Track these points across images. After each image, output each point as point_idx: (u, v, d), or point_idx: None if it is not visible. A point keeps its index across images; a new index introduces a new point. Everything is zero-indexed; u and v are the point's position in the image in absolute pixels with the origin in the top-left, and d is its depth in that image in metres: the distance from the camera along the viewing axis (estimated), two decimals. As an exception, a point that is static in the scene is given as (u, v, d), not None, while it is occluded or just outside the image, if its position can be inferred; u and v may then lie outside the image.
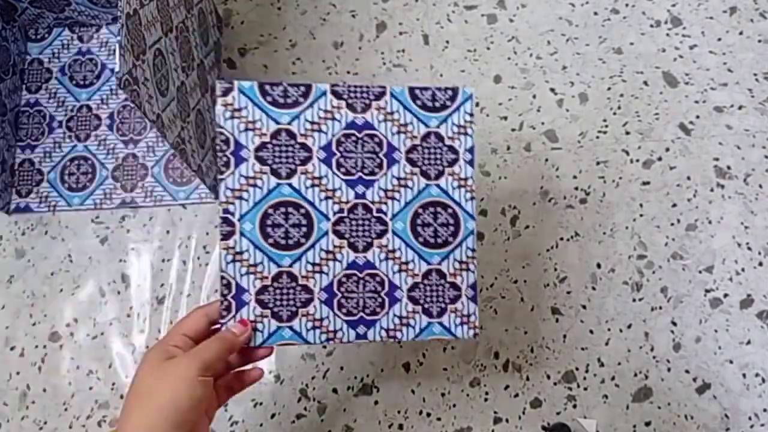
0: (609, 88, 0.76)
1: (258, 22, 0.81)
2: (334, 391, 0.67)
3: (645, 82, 0.76)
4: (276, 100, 0.49)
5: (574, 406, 0.66)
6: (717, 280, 0.69)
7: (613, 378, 0.67)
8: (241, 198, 0.48)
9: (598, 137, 0.74)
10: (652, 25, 0.79)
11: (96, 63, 0.78)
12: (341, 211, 0.49)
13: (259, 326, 0.48)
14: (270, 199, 0.48)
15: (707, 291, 0.69)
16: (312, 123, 0.49)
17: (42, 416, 0.67)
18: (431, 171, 0.50)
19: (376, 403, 0.67)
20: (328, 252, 0.49)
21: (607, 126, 0.75)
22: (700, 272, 0.69)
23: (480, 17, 0.80)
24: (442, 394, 0.67)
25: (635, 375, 0.67)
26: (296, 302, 0.48)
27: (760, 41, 0.77)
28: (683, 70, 0.76)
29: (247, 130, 0.48)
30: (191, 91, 0.65)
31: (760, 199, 0.71)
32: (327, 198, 0.49)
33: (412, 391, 0.67)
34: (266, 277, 0.48)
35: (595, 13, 0.80)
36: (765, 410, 0.65)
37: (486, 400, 0.67)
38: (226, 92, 0.48)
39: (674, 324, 0.68)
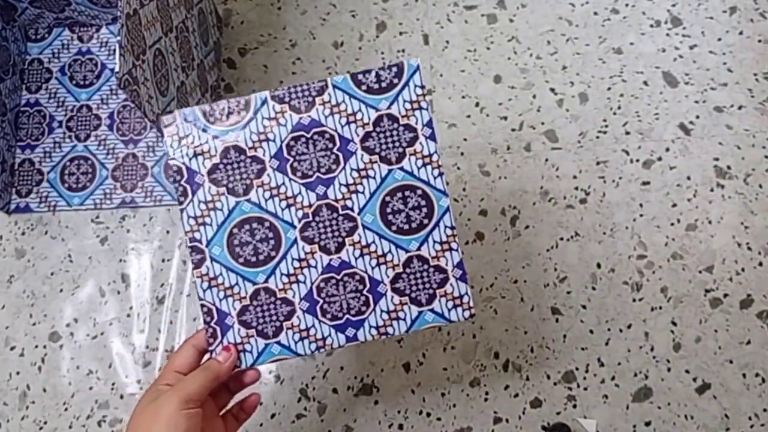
0: (609, 88, 0.76)
1: (258, 22, 0.81)
2: (334, 391, 0.67)
3: (645, 82, 0.76)
4: (219, 118, 0.48)
5: (574, 406, 0.66)
6: (717, 280, 0.69)
7: (613, 378, 0.67)
8: (204, 224, 0.47)
9: (598, 137, 0.74)
10: (652, 25, 0.79)
11: (96, 63, 0.78)
12: (306, 216, 0.47)
13: (247, 347, 0.47)
14: (232, 219, 0.47)
15: (707, 291, 0.69)
16: (258, 134, 0.48)
17: (42, 416, 0.67)
18: (391, 155, 0.47)
19: (376, 403, 0.67)
20: (300, 260, 0.47)
21: (607, 126, 0.75)
22: (700, 272, 0.69)
23: (480, 17, 0.80)
24: (442, 394, 0.67)
25: (635, 375, 0.67)
26: (279, 316, 0.47)
27: (760, 41, 0.77)
28: (683, 70, 0.76)
29: (196, 155, 0.47)
30: (191, 91, 0.65)
31: (760, 199, 0.71)
32: (289, 206, 0.47)
33: (412, 391, 0.67)
34: (244, 297, 0.47)
35: (595, 13, 0.80)
36: (765, 410, 0.65)
37: (486, 400, 0.67)
38: (170, 122, 0.47)
39: (674, 324, 0.68)
